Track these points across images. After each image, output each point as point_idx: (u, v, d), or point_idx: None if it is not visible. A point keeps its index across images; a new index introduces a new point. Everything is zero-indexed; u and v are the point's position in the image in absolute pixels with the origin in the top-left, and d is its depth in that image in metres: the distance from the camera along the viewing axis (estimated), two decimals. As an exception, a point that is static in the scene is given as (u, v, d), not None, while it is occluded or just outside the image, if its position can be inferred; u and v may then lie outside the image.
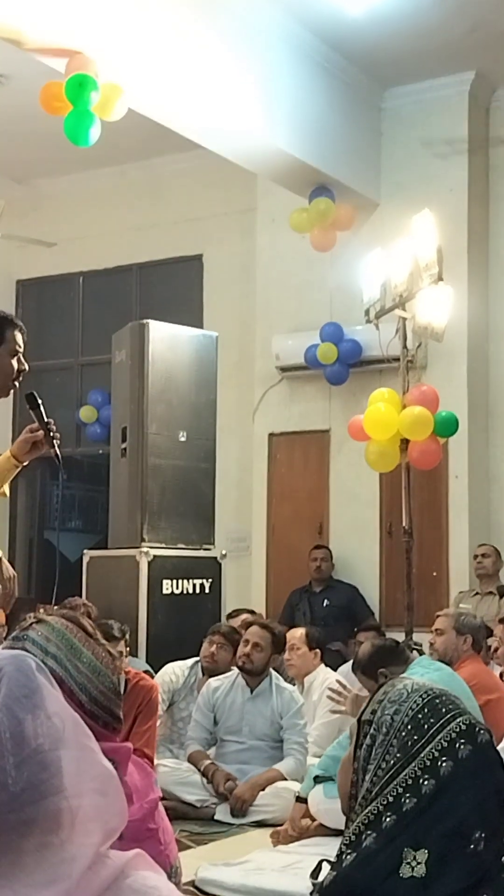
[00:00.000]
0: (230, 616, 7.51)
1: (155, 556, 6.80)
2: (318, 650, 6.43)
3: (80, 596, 6.72)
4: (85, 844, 1.21)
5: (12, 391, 3.88)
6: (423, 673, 4.47)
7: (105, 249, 10.27)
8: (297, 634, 6.44)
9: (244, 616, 7.44)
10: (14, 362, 3.75)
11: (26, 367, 3.80)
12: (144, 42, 6.31)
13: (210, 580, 7.13)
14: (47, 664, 1.42)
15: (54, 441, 3.84)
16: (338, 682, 5.62)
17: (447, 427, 6.32)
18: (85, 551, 7.34)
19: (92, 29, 6.01)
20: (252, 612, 7.72)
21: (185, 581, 6.98)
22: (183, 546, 7.09)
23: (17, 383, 3.82)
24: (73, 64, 5.98)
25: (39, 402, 3.87)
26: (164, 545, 6.96)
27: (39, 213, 10.45)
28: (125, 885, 1.23)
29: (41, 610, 2.81)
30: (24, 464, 3.91)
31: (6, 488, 3.90)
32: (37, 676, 1.26)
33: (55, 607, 3.50)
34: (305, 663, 6.38)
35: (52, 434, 3.83)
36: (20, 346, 3.77)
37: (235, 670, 5.87)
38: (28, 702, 1.23)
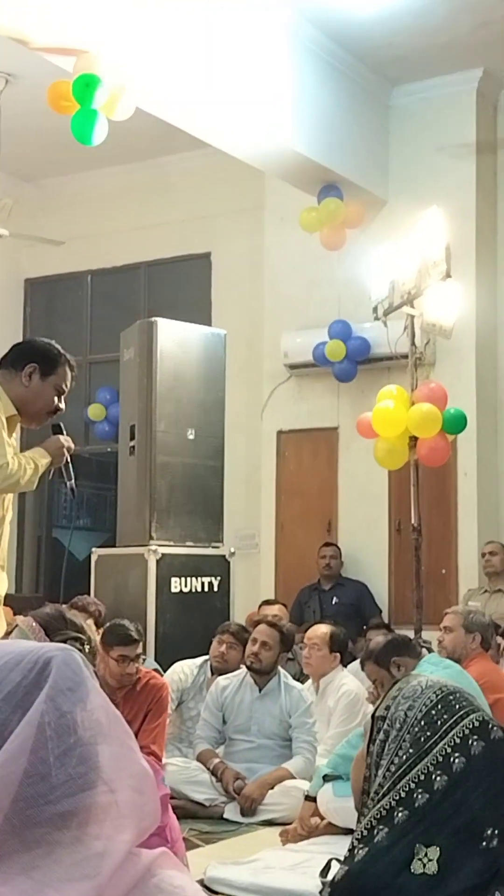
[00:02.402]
0: (261, 606, 7.66)
1: (163, 555, 6.80)
2: (338, 653, 6.21)
3: (89, 594, 6.73)
4: (118, 840, 1.21)
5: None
6: (433, 670, 4.46)
7: (113, 248, 10.28)
8: (319, 633, 6.23)
9: (278, 607, 7.50)
10: (55, 398, 3.81)
11: (63, 407, 3.86)
12: (152, 41, 6.31)
13: (219, 578, 7.12)
14: None
15: (70, 470, 3.94)
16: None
17: (456, 424, 6.31)
18: (93, 550, 7.34)
19: (99, 28, 6.00)
20: (284, 605, 7.77)
21: (194, 579, 6.97)
22: (191, 544, 7.08)
23: (48, 419, 3.89)
24: (80, 63, 5.98)
25: (64, 432, 3.97)
26: (172, 543, 6.96)
27: (48, 212, 10.46)
28: (151, 884, 1.23)
29: (27, 614, 2.87)
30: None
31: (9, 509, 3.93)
32: (83, 670, 1.27)
33: (63, 605, 3.54)
34: (323, 664, 6.16)
35: (70, 467, 3.94)
36: (66, 387, 3.84)
37: (244, 669, 5.87)
38: (73, 694, 1.24)
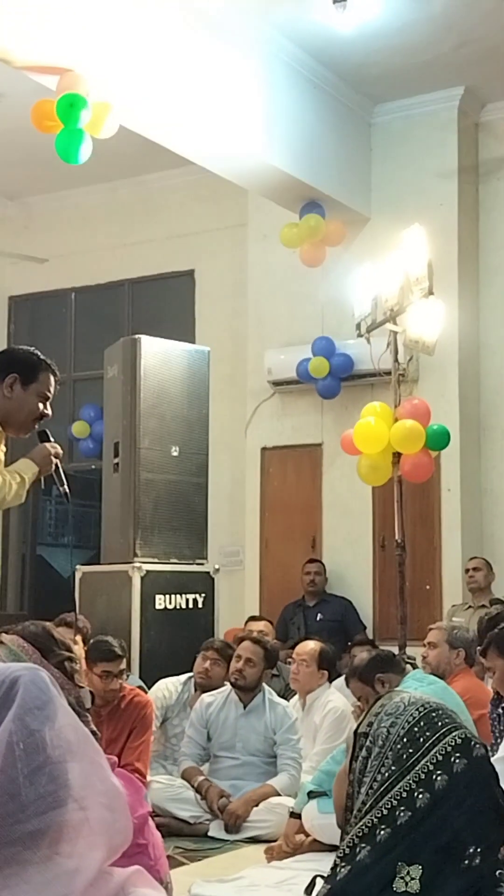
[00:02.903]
0: (248, 622, 7.66)
1: (148, 571, 6.79)
2: (326, 670, 6.18)
3: (74, 611, 6.71)
4: (90, 858, 1.21)
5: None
6: (417, 686, 4.46)
7: (97, 265, 10.28)
8: (307, 649, 6.21)
9: (263, 623, 7.49)
10: (39, 405, 3.81)
11: (50, 413, 3.86)
12: (136, 59, 6.33)
13: (203, 595, 7.12)
14: None
15: (61, 476, 3.94)
16: None
17: (439, 440, 6.33)
18: (78, 567, 7.33)
19: (82, 46, 6.02)
20: (270, 622, 7.76)
21: (178, 596, 6.96)
22: (176, 561, 7.08)
23: (36, 426, 3.88)
24: (64, 81, 5.99)
25: (52, 440, 3.96)
26: (156, 560, 6.95)
27: (31, 230, 10.46)
28: None
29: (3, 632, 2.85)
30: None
31: None
32: (50, 689, 1.27)
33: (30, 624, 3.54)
34: (311, 681, 6.14)
35: (60, 473, 3.94)
36: (49, 392, 3.84)
37: (228, 686, 5.85)
38: (41, 713, 1.24)
